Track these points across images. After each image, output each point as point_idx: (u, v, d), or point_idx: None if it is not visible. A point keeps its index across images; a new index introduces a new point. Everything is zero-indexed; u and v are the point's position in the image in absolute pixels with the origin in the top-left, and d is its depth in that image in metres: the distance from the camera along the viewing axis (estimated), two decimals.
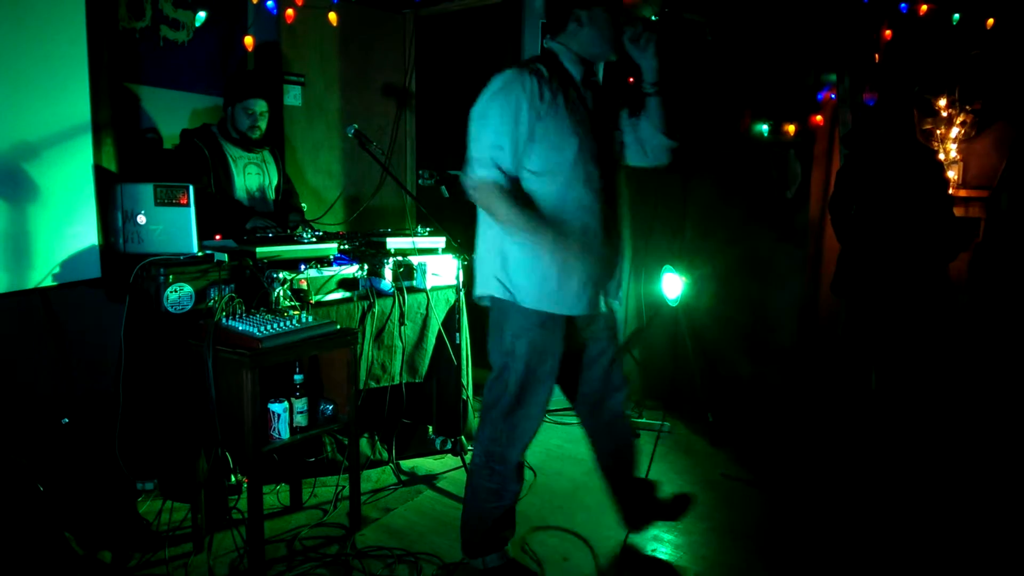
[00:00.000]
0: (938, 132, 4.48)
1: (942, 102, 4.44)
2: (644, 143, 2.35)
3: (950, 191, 3.97)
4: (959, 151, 4.47)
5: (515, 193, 2.12)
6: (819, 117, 4.46)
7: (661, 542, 2.71)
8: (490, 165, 2.09)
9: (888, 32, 4.40)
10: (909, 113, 3.42)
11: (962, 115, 4.42)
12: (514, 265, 2.20)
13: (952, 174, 4.44)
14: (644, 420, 3.93)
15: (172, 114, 3.76)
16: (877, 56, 4.44)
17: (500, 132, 2.08)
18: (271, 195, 3.55)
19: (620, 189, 2.32)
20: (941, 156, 4.39)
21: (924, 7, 4.19)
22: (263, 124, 3.47)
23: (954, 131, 4.45)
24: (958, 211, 4.05)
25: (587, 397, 2.48)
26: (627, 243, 2.45)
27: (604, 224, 2.23)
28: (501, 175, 2.10)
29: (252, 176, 3.48)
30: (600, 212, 2.21)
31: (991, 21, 4.09)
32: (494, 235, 2.23)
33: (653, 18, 3.77)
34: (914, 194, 3.27)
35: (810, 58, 4.38)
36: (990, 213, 3.60)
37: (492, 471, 2.32)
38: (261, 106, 3.44)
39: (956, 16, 4.16)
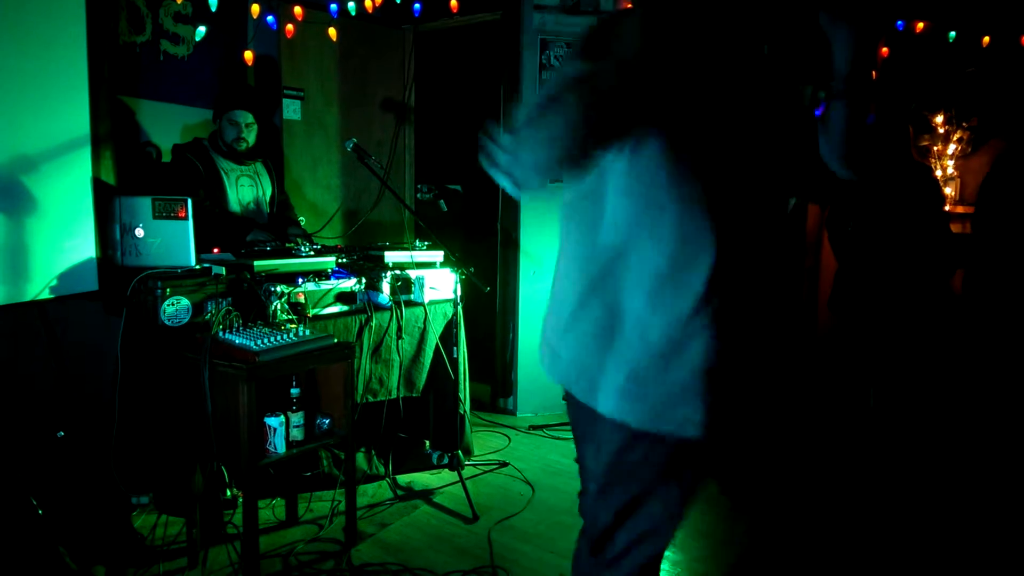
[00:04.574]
0: (935, 149, 4.51)
1: (939, 119, 4.47)
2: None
3: (947, 208, 3.98)
4: (956, 168, 4.49)
5: None
6: None
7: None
8: None
9: (885, 49, 4.43)
10: (906, 130, 3.44)
11: (959, 132, 4.45)
12: None
13: (949, 191, 4.46)
14: None
15: (171, 127, 3.78)
16: (874, 73, 4.46)
17: None
18: (266, 208, 3.54)
19: None
20: (938, 173, 4.41)
21: (920, 25, 4.23)
22: (250, 136, 3.41)
23: (951, 148, 4.48)
24: (955, 227, 4.06)
25: None
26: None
27: None
28: None
29: (245, 188, 3.47)
30: None
31: (987, 39, 4.13)
32: None
33: None
34: (911, 211, 3.28)
35: (807, 74, 4.40)
36: None
37: None
38: (247, 118, 3.38)
39: (952, 34, 4.20)
